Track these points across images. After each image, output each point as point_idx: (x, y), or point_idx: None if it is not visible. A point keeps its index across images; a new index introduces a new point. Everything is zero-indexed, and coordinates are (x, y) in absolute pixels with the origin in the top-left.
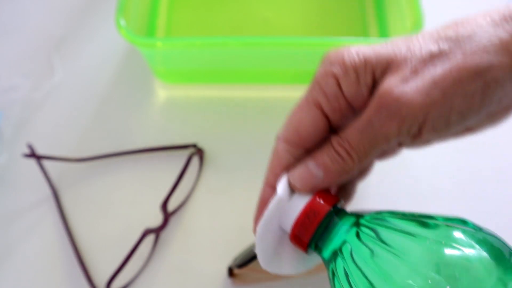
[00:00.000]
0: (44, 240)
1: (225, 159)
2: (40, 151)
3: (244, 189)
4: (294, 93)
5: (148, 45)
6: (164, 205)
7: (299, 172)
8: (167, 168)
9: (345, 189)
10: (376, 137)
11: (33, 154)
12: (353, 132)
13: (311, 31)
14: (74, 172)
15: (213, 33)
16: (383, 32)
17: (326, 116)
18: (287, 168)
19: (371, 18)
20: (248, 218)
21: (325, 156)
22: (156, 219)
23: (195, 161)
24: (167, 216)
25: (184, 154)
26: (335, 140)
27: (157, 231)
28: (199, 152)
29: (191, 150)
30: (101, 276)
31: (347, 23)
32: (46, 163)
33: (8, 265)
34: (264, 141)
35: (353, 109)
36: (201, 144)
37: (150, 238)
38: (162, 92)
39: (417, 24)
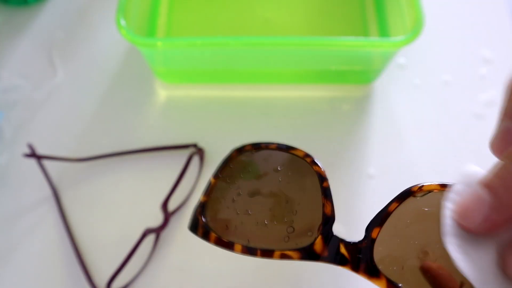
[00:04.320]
0: (44, 240)
1: None
2: (40, 151)
3: None
4: (295, 93)
5: (148, 45)
6: (165, 205)
7: None
8: (167, 168)
9: None
10: None
11: (33, 154)
12: None
13: (311, 31)
14: (74, 172)
15: (213, 33)
16: (383, 32)
17: None
18: None
19: (371, 18)
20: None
21: None
22: (156, 219)
23: (195, 160)
24: (168, 216)
25: (184, 154)
26: None
27: (158, 231)
28: (199, 151)
29: (191, 149)
30: (101, 276)
31: (347, 23)
32: (46, 163)
33: (9, 265)
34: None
35: None
36: (201, 143)
37: (150, 238)
38: (162, 92)
39: (417, 24)
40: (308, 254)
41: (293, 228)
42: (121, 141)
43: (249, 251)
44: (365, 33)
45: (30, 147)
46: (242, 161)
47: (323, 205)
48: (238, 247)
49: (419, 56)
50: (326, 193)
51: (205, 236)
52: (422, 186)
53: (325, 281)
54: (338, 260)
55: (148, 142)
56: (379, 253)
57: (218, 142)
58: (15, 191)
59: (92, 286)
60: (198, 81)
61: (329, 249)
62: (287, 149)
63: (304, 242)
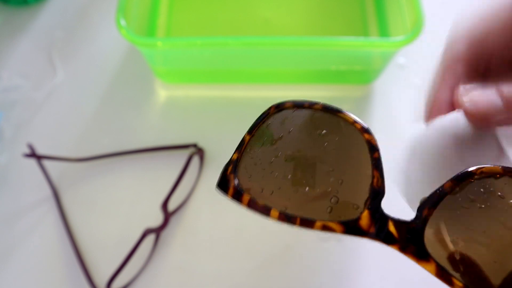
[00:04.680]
0: (44, 240)
1: (226, 158)
2: (40, 151)
3: None
4: (295, 93)
5: (148, 45)
6: (165, 205)
7: (475, 94)
8: (167, 168)
9: None
10: None
11: (33, 154)
12: None
13: (311, 30)
14: (74, 172)
15: (213, 33)
16: (383, 32)
17: None
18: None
19: (371, 18)
20: (248, 217)
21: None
22: (156, 219)
23: (195, 161)
24: (168, 216)
25: (184, 154)
26: None
27: (158, 231)
28: (199, 152)
29: (191, 150)
30: (101, 276)
31: (347, 23)
32: (46, 163)
33: (8, 265)
34: None
35: None
36: (201, 144)
37: (150, 238)
38: (162, 92)
39: (417, 24)
40: (353, 228)
41: (338, 199)
42: (121, 141)
43: (287, 218)
44: (365, 33)
45: (30, 147)
46: (281, 119)
47: (373, 177)
48: (275, 212)
49: (419, 56)
50: (377, 165)
51: (237, 197)
52: (483, 168)
53: (325, 281)
54: (385, 238)
55: (148, 142)
56: (430, 236)
57: (218, 142)
58: (15, 191)
59: (92, 286)
60: (198, 81)
61: (376, 226)
62: (335, 111)
63: (350, 215)
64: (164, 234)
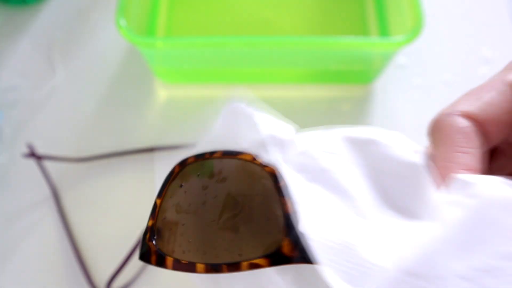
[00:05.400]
0: (44, 240)
1: None
2: (40, 151)
3: None
4: (295, 93)
5: (148, 44)
6: None
7: None
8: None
9: None
10: None
11: (32, 154)
12: None
13: (311, 30)
14: (74, 172)
15: (213, 33)
16: (384, 32)
17: None
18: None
19: (371, 18)
20: None
21: None
22: None
23: None
24: None
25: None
26: None
27: None
28: None
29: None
30: (101, 276)
31: (347, 22)
32: (46, 163)
33: (8, 265)
34: None
35: None
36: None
37: None
38: (162, 92)
39: (417, 24)
40: (278, 259)
41: (257, 236)
42: (121, 141)
43: (213, 269)
44: (365, 33)
45: (30, 147)
46: (187, 175)
47: (283, 205)
48: (200, 267)
49: (419, 56)
50: (283, 192)
51: (161, 262)
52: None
53: None
54: (310, 258)
55: (148, 142)
56: None
57: None
58: (14, 191)
59: (91, 286)
60: (198, 81)
61: (299, 249)
62: (235, 154)
63: (272, 247)
64: None
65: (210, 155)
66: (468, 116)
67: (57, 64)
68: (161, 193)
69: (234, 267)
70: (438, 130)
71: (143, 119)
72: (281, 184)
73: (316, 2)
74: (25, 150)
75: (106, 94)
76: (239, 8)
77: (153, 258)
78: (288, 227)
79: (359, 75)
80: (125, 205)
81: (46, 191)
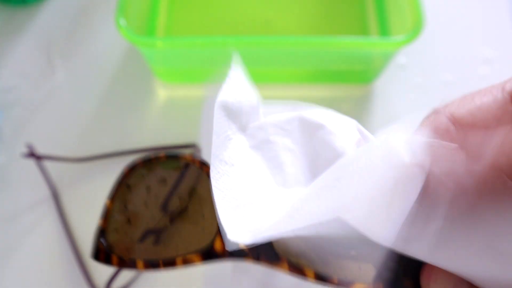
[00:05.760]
0: (44, 240)
1: None
2: (40, 151)
3: None
4: (295, 93)
5: (148, 44)
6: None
7: None
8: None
9: None
10: None
11: (32, 154)
12: None
13: (311, 30)
14: (74, 172)
15: (213, 33)
16: (384, 32)
17: None
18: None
19: (371, 18)
20: None
21: None
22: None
23: None
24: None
25: None
26: None
27: (157, 231)
28: (199, 152)
29: (191, 149)
30: (101, 276)
31: (347, 22)
32: (46, 163)
33: (8, 265)
34: None
35: None
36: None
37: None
38: (162, 92)
39: (417, 24)
40: (209, 255)
41: (193, 234)
42: (121, 141)
43: (151, 264)
44: (365, 32)
45: (29, 147)
46: (135, 177)
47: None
48: (140, 263)
49: (419, 56)
50: None
51: (107, 260)
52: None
53: None
54: (238, 255)
55: (148, 142)
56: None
57: None
58: (14, 191)
59: (91, 286)
60: (198, 81)
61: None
62: (175, 156)
63: (205, 244)
64: None
65: (155, 158)
66: (453, 118)
67: (57, 64)
68: (111, 195)
69: (169, 263)
70: (422, 125)
71: (143, 119)
72: None
73: (316, 2)
74: (25, 150)
75: (106, 94)
76: (239, 8)
77: (101, 256)
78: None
79: (359, 75)
80: None
81: (45, 191)
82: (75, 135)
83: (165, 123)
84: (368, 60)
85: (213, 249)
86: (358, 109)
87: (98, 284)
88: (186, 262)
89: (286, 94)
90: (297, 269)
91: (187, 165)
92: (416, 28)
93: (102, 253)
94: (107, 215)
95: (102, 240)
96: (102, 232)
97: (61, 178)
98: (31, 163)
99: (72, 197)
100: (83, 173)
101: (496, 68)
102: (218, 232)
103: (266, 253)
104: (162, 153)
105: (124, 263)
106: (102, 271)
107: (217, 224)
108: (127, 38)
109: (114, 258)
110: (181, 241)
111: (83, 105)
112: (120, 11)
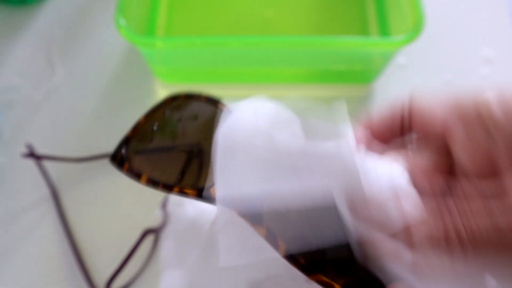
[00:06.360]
0: (44, 240)
1: None
2: (40, 151)
3: None
4: (295, 93)
5: (148, 44)
6: (165, 204)
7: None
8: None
9: None
10: None
11: (32, 154)
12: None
13: (311, 30)
14: (74, 172)
15: (213, 33)
16: (384, 31)
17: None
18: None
19: (371, 17)
20: None
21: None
22: (156, 219)
23: None
24: (167, 216)
25: None
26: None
27: (157, 231)
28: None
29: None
30: (101, 276)
31: (347, 22)
32: (46, 163)
33: (8, 265)
34: None
35: None
36: (201, 143)
37: (150, 238)
38: (162, 92)
39: (418, 23)
40: (203, 194)
41: (200, 171)
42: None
43: (153, 182)
44: (365, 32)
45: (29, 147)
46: (173, 107)
47: None
48: (144, 178)
49: (419, 56)
50: None
51: (120, 165)
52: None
53: None
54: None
55: None
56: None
57: None
58: (14, 191)
59: (91, 286)
60: (198, 81)
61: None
62: (214, 101)
63: (205, 185)
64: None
65: (197, 96)
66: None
67: (56, 64)
68: (146, 114)
69: (168, 187)
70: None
71: None
72: None
73: (316, 2)
74: (25, 150)
75: (106, 94)
76: (239, 8)
77: (117, 160)
78: None
79: (360, 75)
80: (125, 205)
81: (45, 191)
82: (75, 135)
83: None
84: (368, 60)
85: (209, 191)
86: (358, 109)
87: (98, 284)
88: (182, 192)
89: (287, 94)
90: (272, 238)
91: (220, 111)
92: (416, 28)
93: (119, 158)
94: (136, 129)
95: (124, 147)
96: (127, 140)
97: (61, 178)
98: (31, 163)
99: (71, 197)
100: (83, 173)
101: (496, 68)
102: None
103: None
104: (204, 95)
105: (132, 172)
106: (102, 271)
107: None
108: (127, 38)
109: (126, 166)
110: (187, 172)
111: (83, 105)
112: (120, 11)
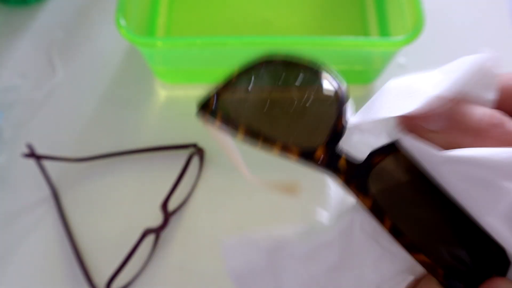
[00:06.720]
0: (44, 240)
1: (226, 159)
2: (40, 151)
3: (244, 189)
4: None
5: (148, 44)
6: (164, 205)
7: None
8: (167, 168)
9: None
10: None
11: (32, 154)
12: None
13: (311, 30)
14: (74, 172)
15: (213, 33)
16: (384, 32)
17: None
18: None
19: (371, 18)
20: (248, 217)
21: None
22: (156, 219)
23: (195, 160)
24: (167, 216)
25: (184, 154)
26: None
27: (157, 231)
28: (199, 152)
29: (191, 150)
30: (101, 276)
31: (347, 22)
32: (46, 163)
33: (8, 265)
34: None
35: None
36: (201, 143)
37: (150, 238)
38: (162, 92)
39: (418, 24)
40: (307, 155)
41: (303, 131)
42: (121, 141)
43: (252, 134)
44: (365, 32)
45: (29, 147)
46: (268, 70)
47: (337, 120)
48: (242, 128)
49: (419, 56)
50: (342, 112)
51: (213, 114)
52: None
53: None
54: (334, 169)
55: (148, 142)
56: (374, 177)
57: None
58: (14, 191)
59: (91, 286)
60: (198, 81)
61: (328, 159)
62: (314, 70)
63: (309, 143)
64: (164, 234)
65: (295, 62)
66: None
67: (57, 64)
68: (241, 68)
69: (270, 141)
70: None
71: (143, 119)
72: (343, 105)
73: (316, 2)
74: (25, 150)
75: (106, 94)
76: (239, 8)
77: (209, 108)
78: (331, 139)
79: (360, 75)
80: (125, 205)
81: (45, 191)
82: (75, 135)
83: (165, 123)
84: (368, 60)
85: (313, 153)
86: (358, 109)
87: (98, 284)
88: (285, 149)
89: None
90: (379, 212)
91: (321, 80)
92: (416, 28)
93: (210, 106)
94: (230, 81)
95: (215, 97)
96: (219, 90)
97: (61, 178)
98: (31, 163)
99: (72, 197)
100: (83, 173)
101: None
102: (325, 142)
103: (358, 182)
104: (304, 61)
105: (228, 122)
106: (102, 271)
107: (327, 134)
108: (127, 38)
109: (219, 115)
110: (287, 131)
111: (83, 105)
112: (120, 11)
